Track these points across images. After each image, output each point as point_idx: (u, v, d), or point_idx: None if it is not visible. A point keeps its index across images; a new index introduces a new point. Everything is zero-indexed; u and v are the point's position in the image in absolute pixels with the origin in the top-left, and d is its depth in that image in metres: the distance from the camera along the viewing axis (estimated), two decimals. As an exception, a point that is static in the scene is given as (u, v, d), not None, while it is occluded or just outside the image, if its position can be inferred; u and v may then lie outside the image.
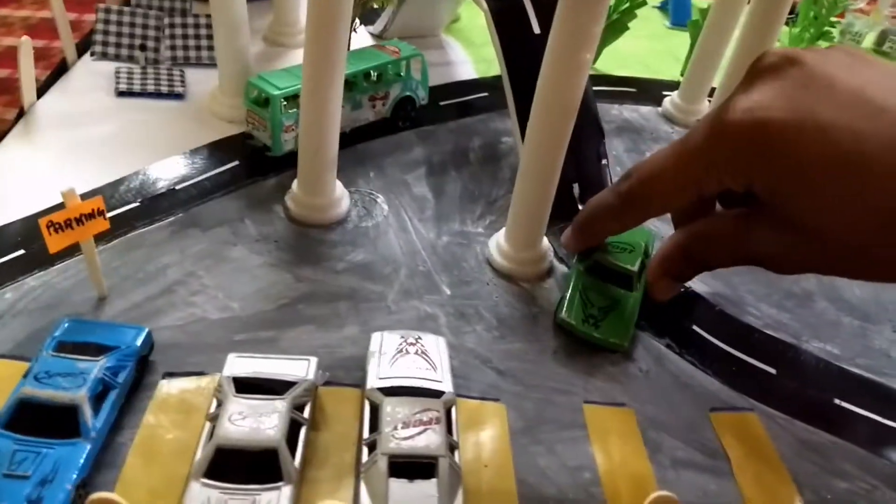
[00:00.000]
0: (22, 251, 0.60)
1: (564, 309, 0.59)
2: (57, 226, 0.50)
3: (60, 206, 0.50)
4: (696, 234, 0.52)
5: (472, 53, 1.02)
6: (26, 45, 0.73)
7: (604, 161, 0.73)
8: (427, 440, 0.45)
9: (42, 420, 0.44)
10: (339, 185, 0.69)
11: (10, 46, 0.97)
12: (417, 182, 0.75)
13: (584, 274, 0.62)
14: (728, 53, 0.87)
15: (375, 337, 0.54)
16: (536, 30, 0.72)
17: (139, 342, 0.50)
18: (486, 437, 0.51)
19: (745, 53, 0.76)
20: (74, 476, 0.42)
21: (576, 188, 0.70)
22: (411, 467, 0.44)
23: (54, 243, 0.50)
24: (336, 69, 0.59)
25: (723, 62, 0.89)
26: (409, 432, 0.45)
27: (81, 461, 0.43)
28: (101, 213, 0.52)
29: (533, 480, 0.49)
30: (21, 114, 0.77)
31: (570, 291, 0.61)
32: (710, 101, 0.92)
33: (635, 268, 0.61)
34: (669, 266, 0.55)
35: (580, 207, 0.70)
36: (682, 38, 1.07)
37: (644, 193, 0.51)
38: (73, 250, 0.55)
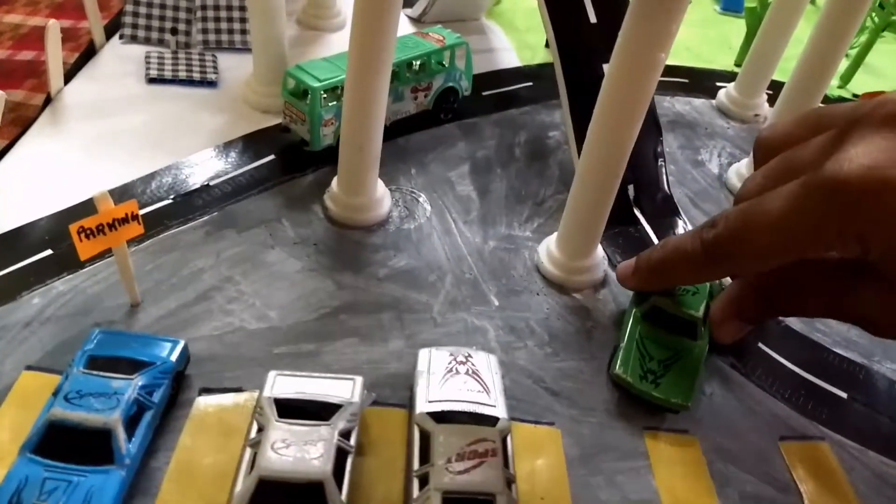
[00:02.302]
0: (49, 251, 0.57)
1: (619, 363, 0.52)
2: (88, 231, 0.47)
3: (89, 204, 0.47)
4: (782, 282, 0.48)
5: (514, 39, 0.97)
6: (54, 30, 0.70)
7: (661, 161, 0.69)
8: (483, 475, 0.42)
9: (73, 443, 0.41)
10: (380, 183, 0.65)
11: (37, 27, 0.93)
12: (461, 180, 0.71)
13: (641, 320, 0.55)
14: (791, 42, 0.81)
15: (423, 354, 0.50)
16: (593, 19, 0.67)
17: (175, 357, 0.47)
18: (541, 465, 0.48)
19: (817, 52, 0.70)
20: (108, 507, 0.39)
21: (631, 189, 0.66)
22: (466, 503, 0.41)
23: (85, 250, 0.47)
24: (384, 58, 0.55)
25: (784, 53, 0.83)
26: (463, 465, 0.42)
27: (115, 491, 0.40)
28: (134, 217, 0.48)
29: (593, 515, 0.45)
30: (48, 101, 0.74)
31: (624, 342, 0.54)
32: (768, 94, 0.87)
33: (700, 313, 0.55)
34: (741, 308, 0.51)
35: (636, 212, 0.66)
36: (734, 25, 1.02)
37: (735, 250, 0.45)
38: (103, 252, 0.52)
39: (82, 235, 0.46)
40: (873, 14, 0.98)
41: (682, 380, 0.52)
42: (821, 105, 0.49)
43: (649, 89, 0.51)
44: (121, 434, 0.41)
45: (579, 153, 0.63)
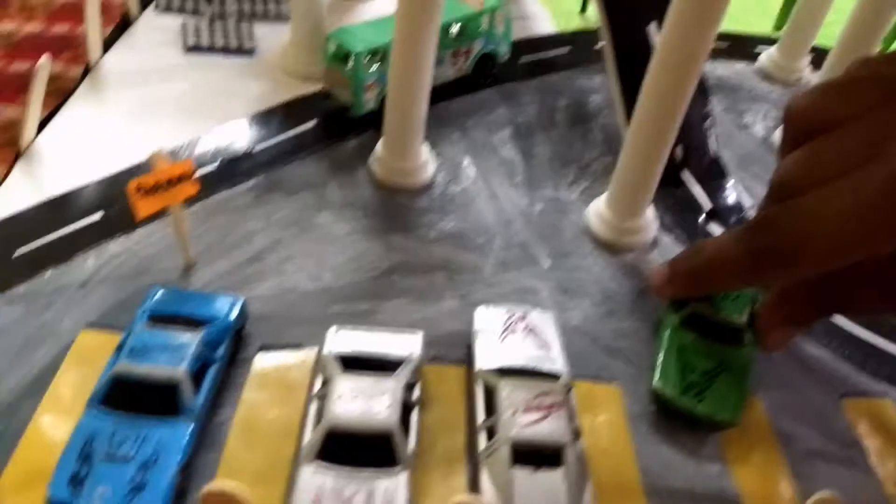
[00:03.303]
0: (100, 215, 0.57)
1: (658, 376, 0.48)
2: (145, 190, 0.46)
3: (137, 168, 0.47)
4: (837, 277, 0.42)
5: (550, 6, 0.96)
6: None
7: (709, 122, 0.68)
8: (551, 427, 0.42)
9: (139, 398, 0.41)
10: (425, 147, 0.64)
11: (70, 1, 0.93)
12: (503, 144, 0.70)
13: (680, 328, 0.51)
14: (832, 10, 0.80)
15: (480, 312, 0.50)
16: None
17: (236, 313, 0.47)
18: (602, 422, 0.47)
19: (863, 17, 0.69)
20: (179, 459, 0.39)
21: (679, 150, 0.65)
22: (535, 455, 0.41)
23: (143, 208, 0.47)
24: (432, 20, 0.55)
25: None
26: (530, 417, 0.42)
27: (185, 442, 0.40)
28: (190, 176, 0.48)
29: (657, 471, 0.45)
30: (87, 71, 0.74)
31: (663, 354, 0.49)
32: (811, 58, 0.85)
33: (744, 318, 0.50)
34: (793, 313, 0.46)
35: (685, 173, 0.66)
36: (772, -10, 1.00)
37: (792, 256, 0.39)
38: (154, 214, 0.52)
39: (140, 193, 0.46)
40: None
41: (728, 393, 0.47)
42: (859, 60, 0.43)
43: (706, 46, 0.50)
44: (187, 386, 0.41)
45: (627, 113, 0.62)
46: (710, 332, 0.50)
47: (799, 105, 0.40)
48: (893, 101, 0.35)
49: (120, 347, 0.43)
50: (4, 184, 0.58)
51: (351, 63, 0.65)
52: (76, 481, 0.38)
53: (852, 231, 0.34)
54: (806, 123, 0.39)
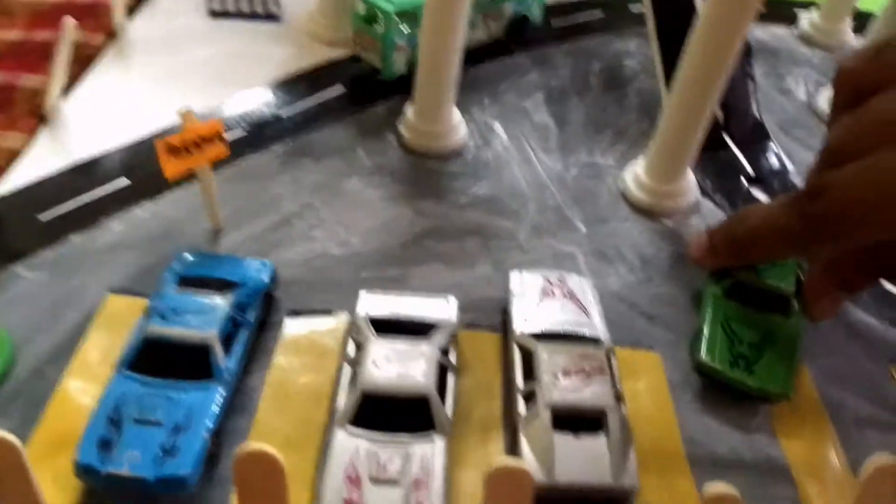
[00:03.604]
0: (126, 181, 0.56)
1: (704, 349, 0.46)
2: (174, 149, 0.45)
3: (163, 134, 0.46)
4: (890, 242, 0.40)
5: (581, -30, 0.93)
6: (118, -39, 0.68)
7: (751, 83, 0.65)
8: (593, 391, 0.40)
9: (168, 361, 0.40)
10: (456, 111, 0.62)
11: (91, -30, 0.92)
12: (537, 109, 0.68)
13: (723, 298, 0.49)
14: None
15: (515, 276, 0.48)
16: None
17: (266, 277, 0.46)
18: (643, 389, 0.46)
19: None
20: (210, 423, 0.38)
21: (720, 113, 0.63)
22: (576, 420, 0.39)
23: (172, 168, 0.45)
24: (465, -23, 0.53)
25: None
26: (571, 382, 0.40)
27: (216, 406, 0.39)
28: (220, 137, 0.47)
29: (701, 439, 0.43)
30: (111, 37, 0.72)
31: (708, 325, 0.47)
32: (853, 24, 0.82)
33: (792, 286, 0.48)
34: (842, 279, 0.45)
35: (724, 136, 0.63)
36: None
37: (848, 224, 0.37)
38: (180, 179, 0.51)
39: (169, 152, 0.45)
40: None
41: (778, 364, 0.45)
42: None
43: (751, 11, 0.47)
44: (219, 350, 0.40)
45: (667, 76, 0.60)
46: (756, 301, 0.48)
47: (850, 67, 0.40)
48: None
49: (148, 311, 0.42)
50: (31, 149, 0.58)
51: (381, 24, 0.63)
52: (105, 446, 0.36)
53: None
54: (857, 85, 0.39)
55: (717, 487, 0.32)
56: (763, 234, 0.43)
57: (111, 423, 0.38)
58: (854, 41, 0.82)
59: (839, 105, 0.40)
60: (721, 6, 0.48)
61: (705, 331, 0.47)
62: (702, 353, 0.46)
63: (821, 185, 0.38)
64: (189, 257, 0.46)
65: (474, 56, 0.72)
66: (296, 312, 0.47)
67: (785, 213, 0.41)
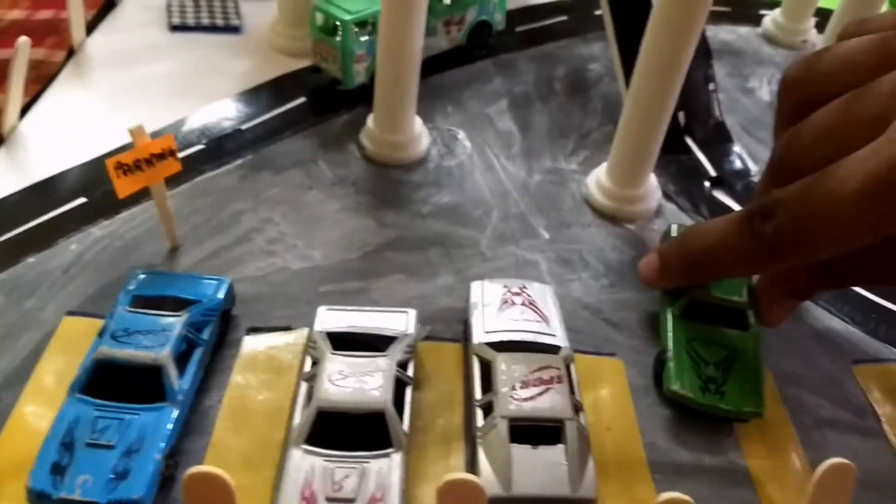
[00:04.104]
0: (83, 199, 0.55)
1: (673, 378, 0.45)
2: (126, 167, 0.45)
3: (122, 150, 0.45)
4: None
5: (545, -25, 0.93)
6: (74, -23, 0.67)
7: (712, 86, 0.65)
8: (551, 401, 0.40)
9: (122, 383, 0.39)
10: (417, 120, 0.62)
11: (54, -15, 0.91)
12: (500, 116, 0.68)
13: (681, 319, 0.47)
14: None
15: (475, 286, 0.48)
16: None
17: (222, 294, 0.45)
18: (605, 396, 0.46)
19: None
20: (163, 445, 0.37)
21: (681, 116, 0.63)
22: (534, 431, 0.39)
23: (123, 187, 0.45)
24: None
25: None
26: (529, 392, 0.40)
27: (169, 428, 0.38)
28: (172, 152, 0.46)
29: (663, 446, 0.43)
30: (70, 54, 0.72)
31: (671, 350, 0.46)
32: (816, 21, 0.82)
33: (745, 297, 0.47)
34: (793, 286, 0.44)
35: (687, 139, 0.63)
36: (775, -47, 0.97)
37: (804, 242, 0.35)
38: (138, 197, 0.51)
39: (120, 171, 0.44)
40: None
41: (746, 381, 0.45)
42: (851, 24, 0.38)
43: (705, 9, 0.48)
44: (172, 370, 0.40)
45: (626, 78, 0.60)
46: (713, 317, 0.47)
47: (796, 76, 0.39)
48: (891, 68, 0.33)
49: (102, 332, 0.42)
50: (-14, 170, 0.57)
51: (339, 34, 0.62)
52: (57, 471, 0.36)
53: (865, 214, 0.32)
54: (803, 94, 0.38)
55: (671, 497, 0.31)
56: (717, 255, 0.41)
57: (64, 447, 0.37)
58: (817, 39, 0.83)
59: (784, 114, 0.39)
60: (673, 1, 0.48)
61: (671, 357, 0.46)
62: (671, 382, 0.45)
63: (771, 204, 0.36)
64: (143, 276, 0.46)
65: (437, 64, 0.72)
66: (255, 329, 0.47)
67: (737, 232, 0.39)
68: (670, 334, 0.47)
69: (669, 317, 0.47)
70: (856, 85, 0.34)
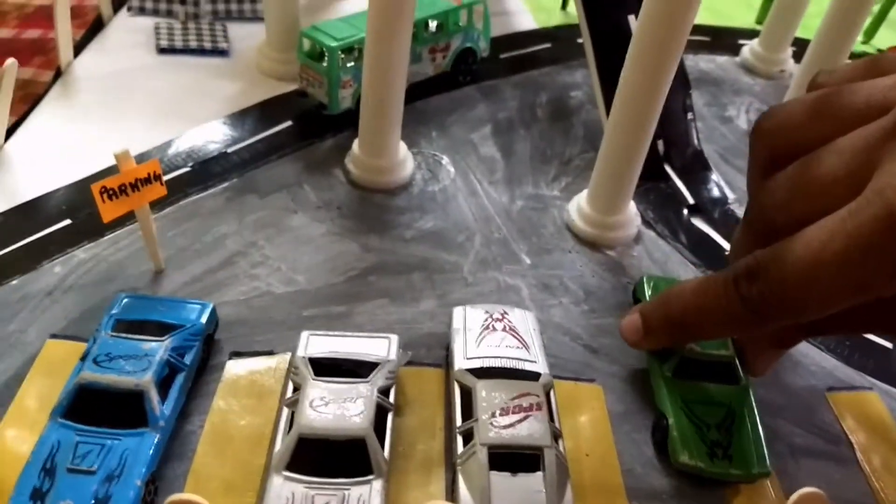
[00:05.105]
0: (68, 221, 0.55)
1: (680, 448, 0.43)
2: (111, 192, 0.45)
3: (108, 172, 0.46)
4: None
5: (530, 2, 0.95)
6: (63, 1, 0.68)
7: (690, 115, 0.67)
8: (530, 429, 0.40)
9: (104, 408, 0.40)
10: (402, 145, 0.63)
11: (42, 6, 0.91)
12: (484, 142, 0.69)
13: (674, 380, 0.46)
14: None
15: (457, 312, 0.49)
16: (616, -30, 0.65)
17: (205, 319, 0.45)
18: (584, 422, 0.46)
19: (843, 7, 0.67)
20: (144, 470, 0.38)
21: (660, 145, 0.64)
22: (513, 459, 0.39)
23: (108, 211, 0.45)
24: (405, 13, 0.53)
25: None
26: (508, 420, 0.41)
27: (150, 453, 0.38)
28: (157, 177, 0.47)
29: (641, 472, 0.44)
30: (58, 74, 0.72)
31: (671, 417, 0.45)
32: (793, 50, 0.84)
33: (731, 350, 0.47)
34: (778, 336, 0.44)
35: (666, 167, 0.65)
36: (754, -17, 0.99)
37: (792, 303, 0.34)
38: (123, 219, 0.50)
39: (105, 196, 0.45)
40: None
41: (748, 439, 0.44)
42: (824, 72, 0.38)
43: (681, 40, 0.49)
44: (153, 395, 0.40)
45: (606, 106, 0.61)
46: (704, 373, 0.47)
47: (772, 125, 0.38)
48: (871, 118, 0.33)
49: (84, 356, 0.42)
50: (-29, 192, 0.57)
51: (325, 60, 0.63)
52: (38, 496, 0.36)
53: (851, 277, 0.32)
54: (781, 143, 0.37)
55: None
56: (702, 317, 0.40)
57: (45, 472, 0.37)
58: (795, 69, 0.85)
59: (757, 166, 0.39)
60: (650, 33, 0.49)
61: (673, 425, 0.45)
62: (679, 454, 0.43)
63: (756, 266, 0.35)
64: (126, 300, 0.46)
65: (422, 89, 0.73)
66: (238, 354, 0.47)
67: (723, 294, 0.38)
68: (666, 397, 0.46)
69: (662, 379, 0.47)
70: (833, 136, 0.34)
